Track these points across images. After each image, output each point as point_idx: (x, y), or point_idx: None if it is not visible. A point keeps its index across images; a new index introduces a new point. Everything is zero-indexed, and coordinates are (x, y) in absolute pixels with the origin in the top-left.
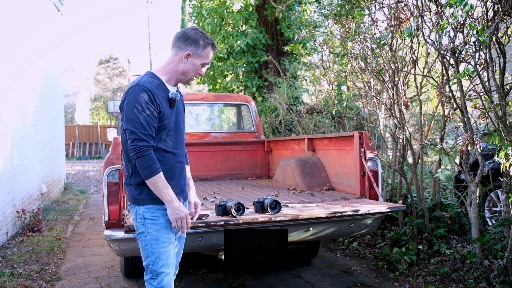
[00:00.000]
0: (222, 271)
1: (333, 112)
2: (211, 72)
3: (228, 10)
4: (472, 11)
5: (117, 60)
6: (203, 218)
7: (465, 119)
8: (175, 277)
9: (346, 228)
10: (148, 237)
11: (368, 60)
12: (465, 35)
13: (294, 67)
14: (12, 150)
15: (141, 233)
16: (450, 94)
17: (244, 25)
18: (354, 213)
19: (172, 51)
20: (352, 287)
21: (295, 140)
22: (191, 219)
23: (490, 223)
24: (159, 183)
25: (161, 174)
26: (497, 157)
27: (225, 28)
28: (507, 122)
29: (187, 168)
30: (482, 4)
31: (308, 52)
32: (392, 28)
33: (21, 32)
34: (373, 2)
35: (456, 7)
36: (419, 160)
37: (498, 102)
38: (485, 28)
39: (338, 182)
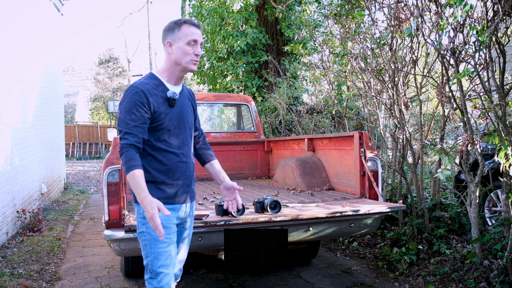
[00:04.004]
0: (222, 271)
1: (333, 112)
2: (211, 72)
3: (228, 10)
4: (472, 11)
5: (117, 60)
6: (203, 218)
7: (465, 119)
8: (179, 279)
9: (346, 228)
10: (147, 237)
11: (368, 60)
12: (465, 35)
13: (294, 67)
14: (12, 150)
15: (141, 232)
16: (450, 94)
17: (244, 25)
18: (354, 213)
19: (164, 50)
20: (352, 287)
21: (295, 140)
22: (236, 207)
23: (490, 223)
24: (132, 181)
25: (135, 172)
26: (497, 157)
27: (225, 28)
28: (507, 122)
29: (216, 161)
30: (482, 4)
31: (308, 52)
32: (392, 28)
33: (21, 32)
34: (373, 2)
35: (456, 7)
36: (419, 160)
37: (498, 102)
38: (485, 28)
39: (338, 182)
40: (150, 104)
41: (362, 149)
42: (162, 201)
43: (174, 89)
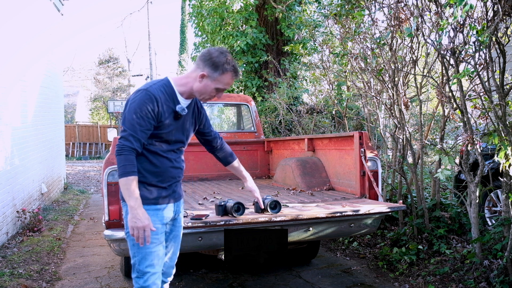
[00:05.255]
0: (222, 271)
1: (333, 112)
2: None
3: (228, 10)
4: (472, 11)
5: (117, 60)
6: (203, 218)
7: (465, 119)
8: (172, 277)
9: (346, 228)
10: None
11: (368, 60)
12: (465, 35)
13: (294, 67)
14: (12, 150)
15: (129, 232)
16: (450, 94)
17: (244, 25)
18: (354, 213)
19: (193, 67)
20: (352, 287)
21: (295, 140)
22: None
23: (490, 223)
24: (127, 186)
25: (132, 178)
26: (497, 157)
27: (225, 28)
28: (507, 122)
29: (236, 162)
30: (482, 4)
31: (308, 52)
32: (392, 28)
33: (21, 32)
34: (373, 2)
35: (456, 7)
36: (419, 160)
37: (498, 102)
38: (485, 28)
39: (338, 182)
40: (159, 113)
41: (362, 149)
42: (149, 201)
43: (184, 103)
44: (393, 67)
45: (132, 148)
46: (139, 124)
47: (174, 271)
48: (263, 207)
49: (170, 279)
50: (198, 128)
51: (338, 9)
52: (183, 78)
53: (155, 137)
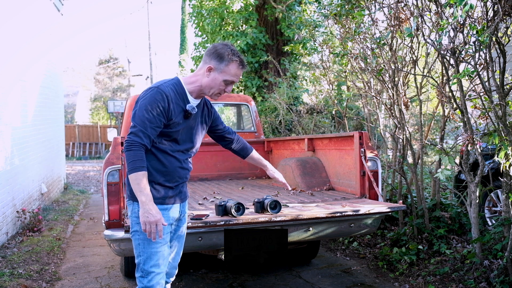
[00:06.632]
0: (222, 271)
1: (333, 112)
2: None
3: (228, 10)
4: (472, 11)
5: (117, 60)
6: (203, 218)
7: (465, 119)
8: (174, 277)
9: (346, 228)
10: (141, 236)
11: (368, 60)
12: (465, 35)
13: (294, 67)
14: (12, 150)
15: (135, 231)
16: (450, 94)
17: (244, 25)
18: (354, 213)
19: (201, 64)
20: (352, 287)
21: (295, 140)
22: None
23: (490, 223)
24: (137, 181)
25: (142, 173)
26: (497, 157)
27: (225, 28)
28: (507, 122)
29: (254, 152)
30: (482, 4)
31: (308, 52)
32: (392, 28)
33: (21, 32)
34: (373, 2)
35: (456, 7)
36: (419, 160)
37: (498, 102)
38: (485, 28)
39: (338, 182)
40: (170, 111)
41: (362, 149)
42: (156, 201)
43: (194, 102)
44: (393, 67)
45: (141, 144)
46: (149, 121)
47: (176, 271)
48: (290, 188)
49: (172, 279)
50: (210, 126)
51: (338, 9)
52: (192, 77)
53: (164, 136)
